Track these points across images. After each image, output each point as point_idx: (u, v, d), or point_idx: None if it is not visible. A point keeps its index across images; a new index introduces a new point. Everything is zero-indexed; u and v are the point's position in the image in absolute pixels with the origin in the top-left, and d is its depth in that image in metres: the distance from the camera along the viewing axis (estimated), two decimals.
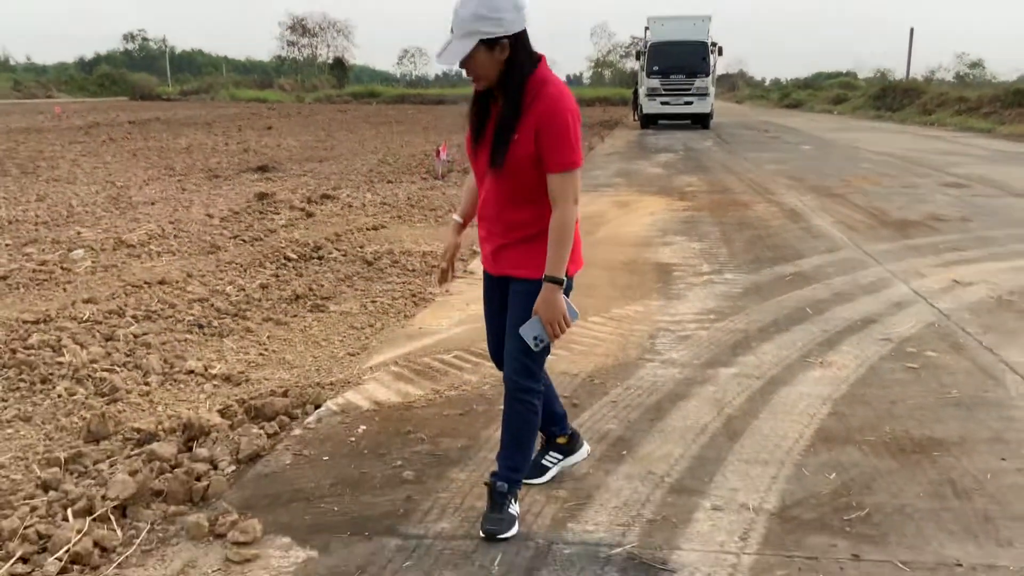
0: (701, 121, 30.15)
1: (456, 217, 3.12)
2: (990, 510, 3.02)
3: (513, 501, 2.94)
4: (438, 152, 14.34)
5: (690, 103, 29.41)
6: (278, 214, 9.87)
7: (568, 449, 3.34)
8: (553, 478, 3.29)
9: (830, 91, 61.85)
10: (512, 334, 2.84)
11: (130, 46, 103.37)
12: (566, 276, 2.74)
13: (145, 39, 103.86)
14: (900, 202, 10.99)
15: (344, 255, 7.62)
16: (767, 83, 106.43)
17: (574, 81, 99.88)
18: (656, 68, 29.22)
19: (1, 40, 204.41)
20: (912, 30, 63.16)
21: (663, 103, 29.50)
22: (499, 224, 2.87)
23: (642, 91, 30.30)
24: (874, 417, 3.89)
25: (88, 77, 78.48)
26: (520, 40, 2.66)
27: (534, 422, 2.95)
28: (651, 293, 6.25)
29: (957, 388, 4.25)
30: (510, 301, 2.89)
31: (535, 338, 2.76)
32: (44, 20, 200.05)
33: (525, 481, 3.11)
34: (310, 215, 9.85)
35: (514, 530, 2.88)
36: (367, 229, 8.95)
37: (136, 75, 77.06)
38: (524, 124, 2.68)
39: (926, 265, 7.13)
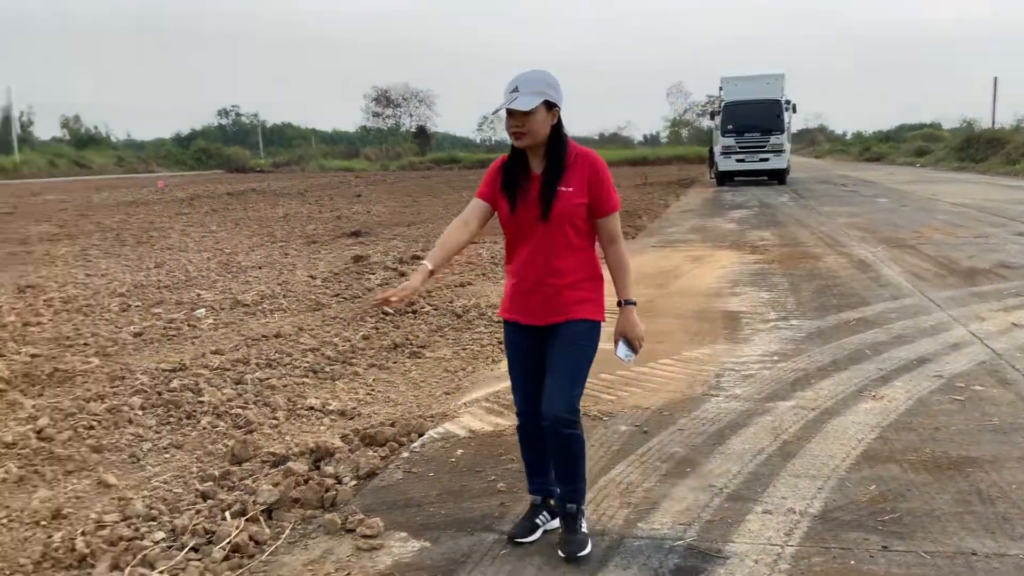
0: (777, 177, 30.45)
1: (429, 265, 3.19)
2: (1009, 513, 3.45)
3: (583, 519, 3.32)
4: None
5: (766, 160, 29.81)
6: (373, 274, 10.71)
7: (555, 513, 3.49)
8: (623, 490, 3.83)
9: (912, 143, 61.15)
10: (562, 373, 3.17)
11: (224, 121, 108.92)
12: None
13: (238, 114, 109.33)
14: (970, 251, 11.22)
15: (435, 309, 8.34)
16: (848, 137, 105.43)
17: (650, 140, 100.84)
18: (731, 127, 29.78)
19: (103, 118, 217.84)
20: (996, 79, 62.16)
21: (738, 160, 29.97)
22: (547, 276, 3.21)
23: (717, 149, 30.84)
24: (917, 440, 4.32)
25: (185, 151, 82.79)
26: (560, 115, 3.21)
27: (582, 445, 3.27)
28: (719, 338, 6.75)
29: (998, 416, 4.64)
30: (562, 343, 3.20)
31: (627, 356, 3.28)
32: (142, 98, 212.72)
33: (516, 539, 3.39)
34: (403, 274, 10.66)
35: (589, 547, 3.24)
36: (455, 286, 9.68)
37: (230, 149, 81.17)
38: (572, 178, 3.18)
39: (987, 310, 7.44)
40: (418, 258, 12.03)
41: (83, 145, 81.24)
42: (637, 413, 4.92)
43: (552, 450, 3.27)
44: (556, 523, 3.49)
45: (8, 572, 3.29)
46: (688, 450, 4.31)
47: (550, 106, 3.15)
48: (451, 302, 8.68)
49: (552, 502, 3.51)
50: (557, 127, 3.20)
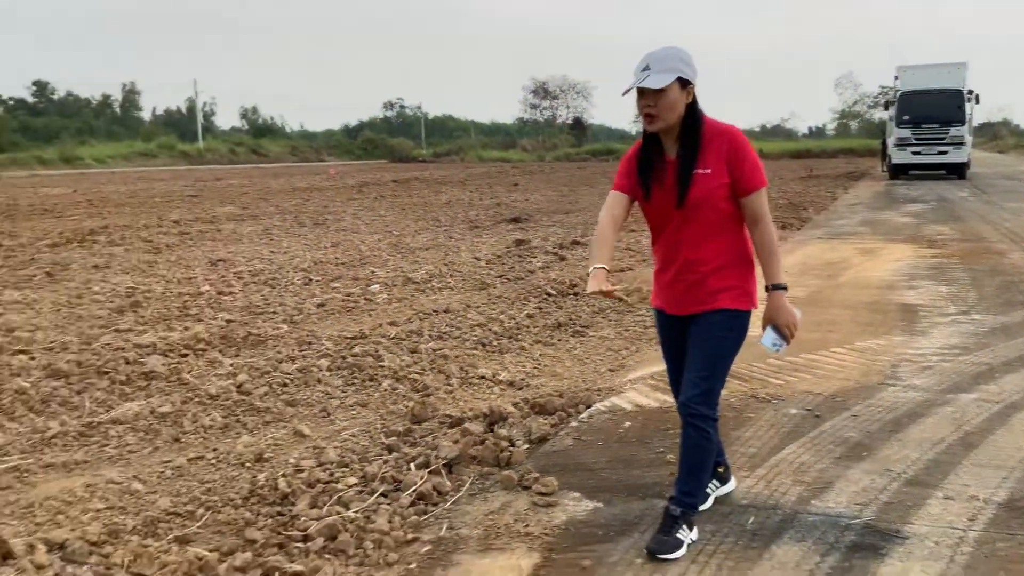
0: (956, 171, 28.64)
1: (601, 266, 3.09)
2: None
3: (685, 528, 3.11)
4: None
5: (944, 152, 28.09)
6: (535, 258, 10.93)
7: (724, 478, 3.55)
8: (795, 469, 3.82)
9: None
10: (698, 363, 3.09)
11: (389, 113, 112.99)
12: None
13: (403, 107, 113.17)
14: None
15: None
16: None
17: (815, 133, 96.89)
18: (907, 118, 28.24)
19: (279, 109, 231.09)
20: None
21: (914, 153, 28.38)
22: (688, 264, 3.09)
23: (891, 141, 29.32)
24: None
25: (353, 141, 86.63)
26: (695, 93, 3.04)
27: (709, 450, 3.12)
28: (894, 330, 6.53)
29: None
30: (700, 332, 3.10)
31: (774, 345, 3.06)
32: (314, 91, 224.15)
33: None
34: (563, 258, 10.85)
35: (678, 553, 3.03)
36: (615, 271, 9.74)
37: (394, 140, 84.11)
38: (709, 159, 3.00)
39: None
40: (577, 243, 12.18)
41: (260, 134, 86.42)
42: (808, 398, 4.86)
43: (681, 440, 3.16)
44: (727, 488, 3.55)
45: (220, 505, 3.66)
46: (863, 435, 4.24)
47: (684, 84, 2.97)
48: (612, 286, 8.74)
49: (720, 470, 3.53)
50: (692, 106, 3.02)
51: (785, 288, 3.05)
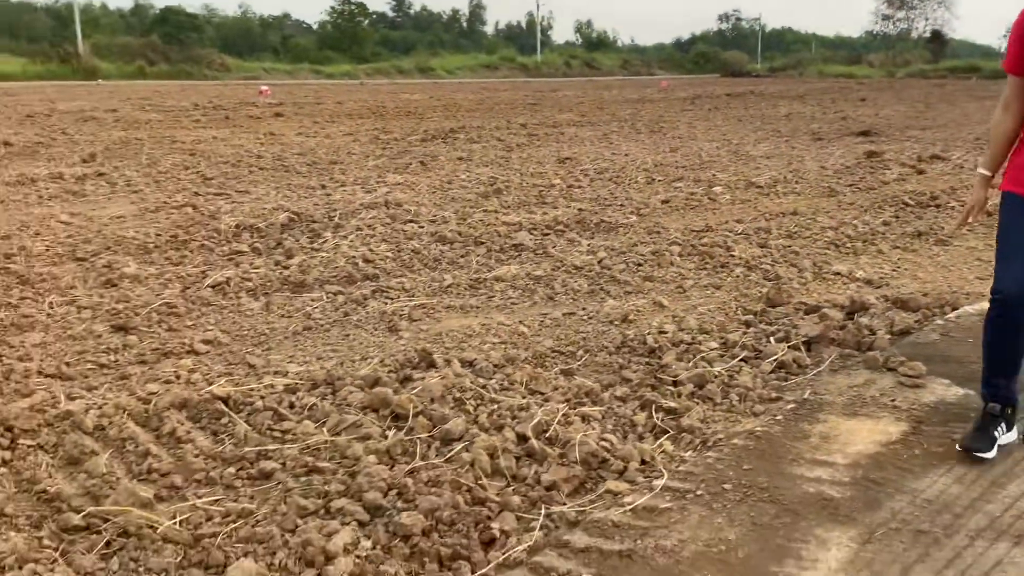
0: None
1: (983, 171, 3.13)
2: None
3: (1004, 427, 2.99)
4: None
5: None
6: (888, 170, 10.32)
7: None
8: None
9: None
10: None
11: (724, 26, 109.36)
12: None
13: (739, 19, 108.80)
14: None
15: (962, 206, 7.85)
16: None
17: None
18: None
19: (611, 24, 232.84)
20: None
21: None
22: None
23: None
24: None
25: (684, 55, 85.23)
26: None
27: None
28: None
29: None
30: None
31: None
32: (646, 5, 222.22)
33: (973, 453, 2.96)
34: (920, 172, 10.14)
35: (989, 455, 2.91)
36: None
37: (728, 53, 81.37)
38: None
39: None
40: (937, 157, 11.29)
41: (593, 48, 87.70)
42: None
43: None
44: (1013, 436, 3.06)
45: (596, 351, 4.07)
46: None
47: None
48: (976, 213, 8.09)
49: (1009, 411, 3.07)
50: None
51: None
